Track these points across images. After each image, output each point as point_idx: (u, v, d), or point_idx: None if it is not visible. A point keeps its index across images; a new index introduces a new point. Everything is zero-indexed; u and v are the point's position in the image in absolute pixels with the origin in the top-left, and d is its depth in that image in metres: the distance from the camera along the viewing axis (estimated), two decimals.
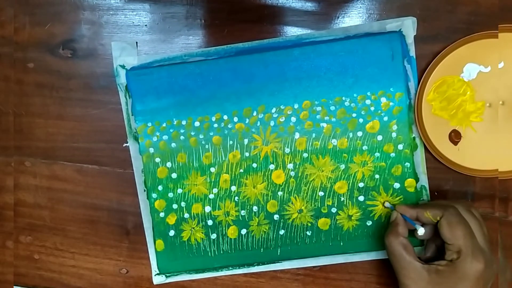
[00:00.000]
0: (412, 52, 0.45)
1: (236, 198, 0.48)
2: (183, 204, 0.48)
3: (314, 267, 0.49)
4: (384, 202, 0.46)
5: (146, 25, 0.48)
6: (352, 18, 0.46)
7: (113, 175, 0.49)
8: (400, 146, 0.46)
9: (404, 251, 0.40)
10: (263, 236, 0.48)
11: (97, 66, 0.48)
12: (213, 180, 0.48)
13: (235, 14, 0.47)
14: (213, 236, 0.48)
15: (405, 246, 0.40)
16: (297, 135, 0.47)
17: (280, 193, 0.48)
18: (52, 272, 0.51)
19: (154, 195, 0.48)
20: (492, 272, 0.39)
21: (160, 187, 0.48)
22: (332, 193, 0.47)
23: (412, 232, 0.42)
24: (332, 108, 0.46)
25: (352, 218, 0.47)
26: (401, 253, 0.40)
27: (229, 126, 0.47)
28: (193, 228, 0.48)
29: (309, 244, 0.48)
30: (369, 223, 0.47)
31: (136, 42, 0.48)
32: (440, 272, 0.38)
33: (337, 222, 0.47)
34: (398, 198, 0.47)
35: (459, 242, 0.38)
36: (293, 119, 0.47)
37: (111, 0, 0.48)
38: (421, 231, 0.40)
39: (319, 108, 0.46)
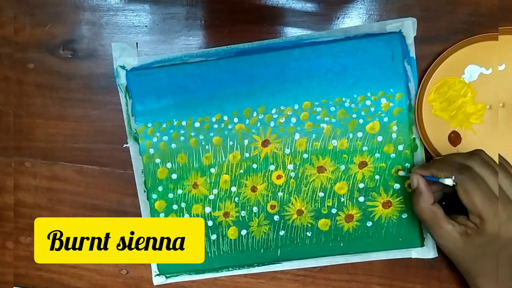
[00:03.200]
0: (412, 53, 0.45)
1: (236, 198, 0.48)
2: (183, 204, 0.48)
3: (314, 267, 0.49)
4: (398, 171, 0.46)
5: (146, 26, 0.48)
6: (352, 19, 0.46)
7: (113, 175, 0.49)
8: (400, 147, 0.46)
9: (435, 218, 0.40)
10: (263, 236, 0.48)
11: (97, 66, 0.48)
12: (213, 180, 0.48)
13: (235, 15, 0.47)
14: (213, 236, 0.48)
15: (435, 213, 0.40)
16: (297, 136, 0.47)
17: (280, 193, 0.48)
18: (52, 273, 0.51)
19: (154, 196, 0.48)
20: None
21: (160, 188, 0.48)
22: (332, 194, 0.47)
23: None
24: (332, 108, 0.46)
25: (352, 219, 0.47)
26: (432, 220, 0.40)
27: (229, 126, 0.47)
28: None
29: (309, 245, 0.48)
30: (369, 224, 0.47)
31: (136, 43, 0.48)
32: (470, 235, 0.39)
33: (337, 223, 0.47)
34: (398, 199, 0.47)
35: (478, 208, 0.38)
36: (293, 119, 0.47)
37: (111, 1, 0.48)
38: (448, 181, 0.39)
39: (319, 109, 0.46)
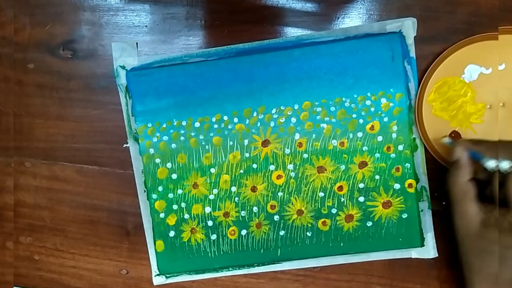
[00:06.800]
0: (412, 53, 0.45)
1: (236, 198, 0.48)
2: (183, 204, 0.48)
3: (314, 268, 0.49)
4: (443, 138, 0.43)
5: (146, 25, 0.48)
6: (352, 19, 0.46)
7: (113, 175, 0.49)
8: (400, 147, 0.46)
9: (464, 196, 0.37)
10: (263, 236, 0.48)
11: (97, 66, 0.48)
12: (213, 180, 0.48)
13: (235, 15, 0.47)
14: (213, 236, 0.48)
15: (466, 191, 0.38)
16: (297, 136, 0.47)
17: (280, 193, 0.47)
18: (52, 273, 0.51)
19: (154, 196, 0.48)
20: None
21: (160, 188, 0.48)
22: (332, 194, 0.47)
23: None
24: (332, 108, 0.46)
25: (353, 219, 0.47)
26: (460, 197, 0.38)
27: (229, 126, 0.47)
28: (193, 228, 0.48)
29: (309, 245, 0.48)
30: (369, 224, 0.47)
31: (136, 43, 0.48)
32: (488, 227, 0.36)
33: (337, 223, 0.47)
34: (398, 199, 0.47)
35: None
36: (293, 119, 0.47)
37: (111, 1, 0.48)
38: (491, 163, 0.36)
39: (319, 109, 0.46)
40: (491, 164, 0.37)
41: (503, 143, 0.38)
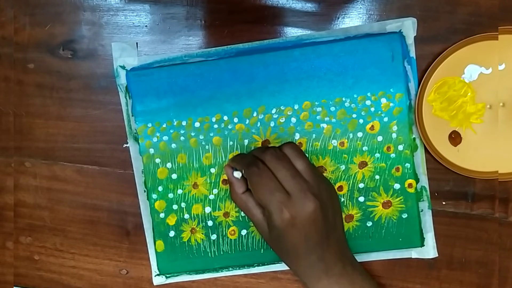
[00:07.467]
0: (412, 53, 0.45)
1: None
2: (183, 204, 0.48)
3: None
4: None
5: (146, 25, 0.48)
6: (352, 19, 0.46)
7: (113, 175, 0.49)
8: (400, 147, 0.46)
9: (246, 206, 0.42)
10: None
11: (97, 66, 0.48)
12: (213, 180, 0.48)
13: (235, 15, 0.47)
14: (213, 236, 0.48)
15: (245, 201, 0.42)
16: (297, 136, 0.47)
17: None
18: (52, 273, 0.51)
19: (154, 196, 0.48)
20: (315, 206, 0.39)
21: (160, 188, 0.48)
22: None
23: None
24: (332, 108, 0.46)
25: (352, 219, 0.47)
26: (244, 208, 0.43)
27: (229, 126, 0.47)
28: (193, 228, 0.48)
29: None
30: (369, 223, 0.47)
31: (136, 43, 0.48)
32: (269, 225, 0.41)
33: None
34: (398, 199, 0.47)
35: (263, 202, 0.39)
36: (293, 119, 0.47)
37: (111, 1, 0.48)
38: (237, 174, 0.43)
39: (319, 109, 0.46)
40: (237, 175, 0.43)
41: (238, 156, 0.45)
